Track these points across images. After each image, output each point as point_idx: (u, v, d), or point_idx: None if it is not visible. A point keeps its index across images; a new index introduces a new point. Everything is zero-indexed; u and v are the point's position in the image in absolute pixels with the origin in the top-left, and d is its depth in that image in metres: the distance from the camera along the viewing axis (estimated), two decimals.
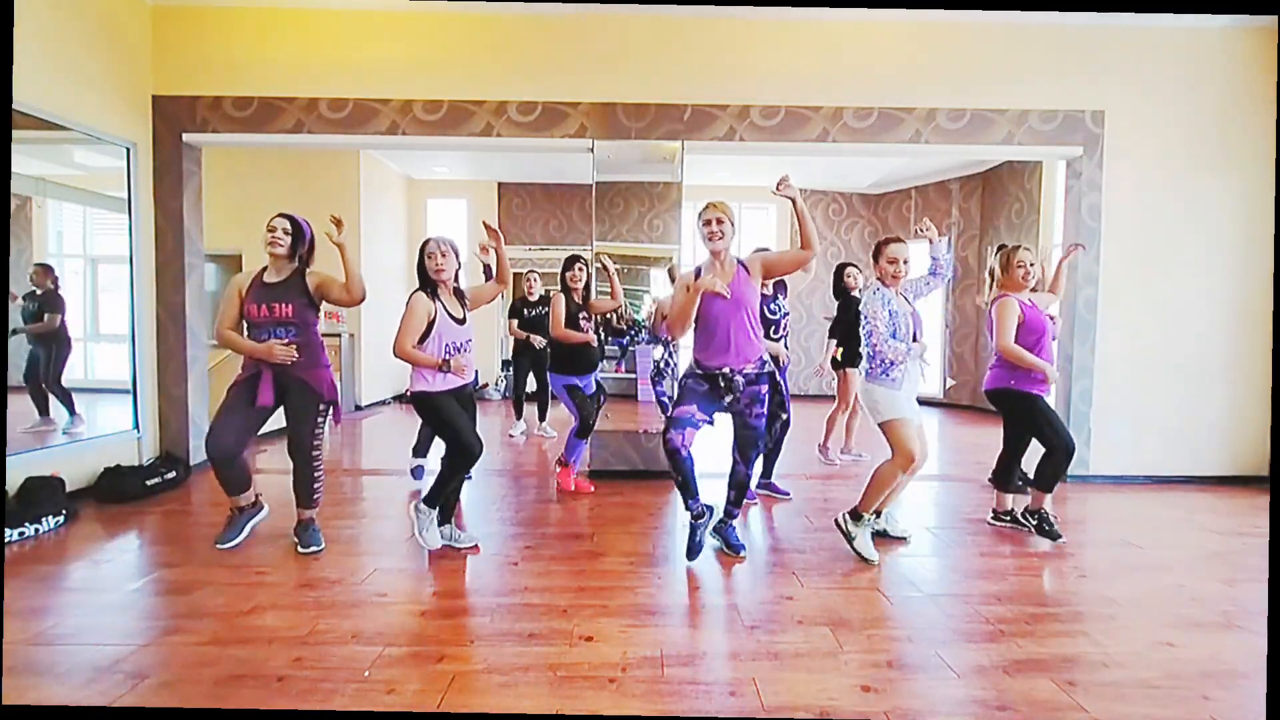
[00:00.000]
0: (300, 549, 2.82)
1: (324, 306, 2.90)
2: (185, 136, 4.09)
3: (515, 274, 6.14)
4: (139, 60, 3.99)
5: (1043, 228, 6.58)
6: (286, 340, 2.73)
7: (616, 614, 2.28)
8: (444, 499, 2.84)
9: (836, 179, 8.27)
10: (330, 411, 2.89)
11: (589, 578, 2.59)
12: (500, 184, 8.59)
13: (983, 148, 4.24)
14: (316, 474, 2.88)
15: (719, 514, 2.94)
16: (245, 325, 2.78)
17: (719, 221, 2.68)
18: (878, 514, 3.06)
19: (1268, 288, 4.18)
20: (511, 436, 5.71)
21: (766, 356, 2.76)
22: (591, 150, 4.19)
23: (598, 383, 3.96)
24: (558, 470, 3.90)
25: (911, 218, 8.41)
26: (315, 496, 2.90)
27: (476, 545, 2.92)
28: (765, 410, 2.77)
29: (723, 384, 2.69)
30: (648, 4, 3.97)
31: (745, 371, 2.69)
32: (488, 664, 1.94)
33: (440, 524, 2.87)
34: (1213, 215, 4.22)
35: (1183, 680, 1.91)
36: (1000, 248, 3.17)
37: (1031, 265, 3.01)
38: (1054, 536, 3.07)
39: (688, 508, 2.79)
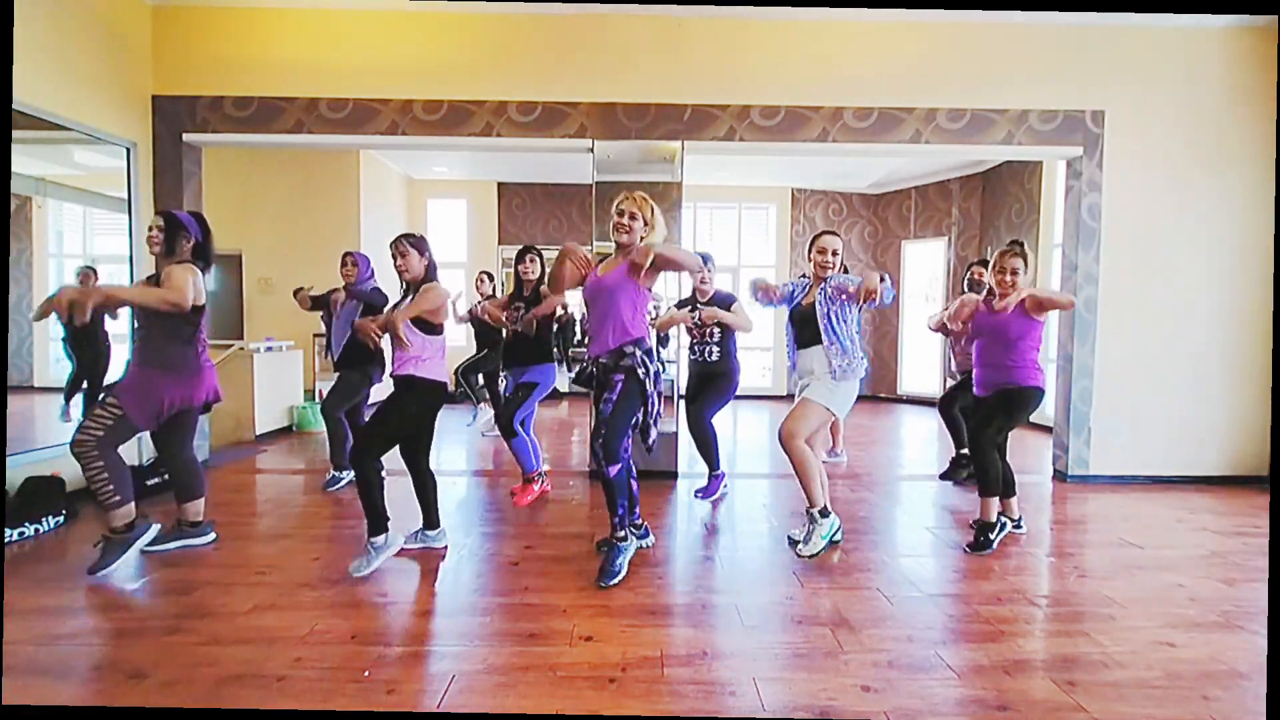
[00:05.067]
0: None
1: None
2: (185, 136, 4.09)
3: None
4: (139, 60, 4.00)
5: (1043, 228, 6.58)
6: (138, 339, 2.71)
7: (616, 614, 2.28)
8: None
9: (836, 179, 8.26)
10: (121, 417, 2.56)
11: (589, 577, 2.59)
12: (500, 184, 8.59)
13: (983, 148, 4.25)
14: (94, 475, 2.50)
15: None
16: None
17: (631, 216, 2.60)
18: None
19: (1268, 287, 4.17)
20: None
21: (631, 349, 2.58)
22: (591, 150, 4.19)
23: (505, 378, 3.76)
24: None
25: (912, 217, 8.41)
26: (100, 499, 2.55)
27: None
28: (615, 399, 2.60)
29: (593, 370, 2.71)
30: (648, 4, 3.98)
31: (603, 360, 2.65)
32: (488, 664, 1.94)
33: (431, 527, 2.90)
34: (1213, 215, 4.21)
35: (1183, 680, 1.91)
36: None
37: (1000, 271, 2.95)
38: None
39: (624, 527, 2.70)
